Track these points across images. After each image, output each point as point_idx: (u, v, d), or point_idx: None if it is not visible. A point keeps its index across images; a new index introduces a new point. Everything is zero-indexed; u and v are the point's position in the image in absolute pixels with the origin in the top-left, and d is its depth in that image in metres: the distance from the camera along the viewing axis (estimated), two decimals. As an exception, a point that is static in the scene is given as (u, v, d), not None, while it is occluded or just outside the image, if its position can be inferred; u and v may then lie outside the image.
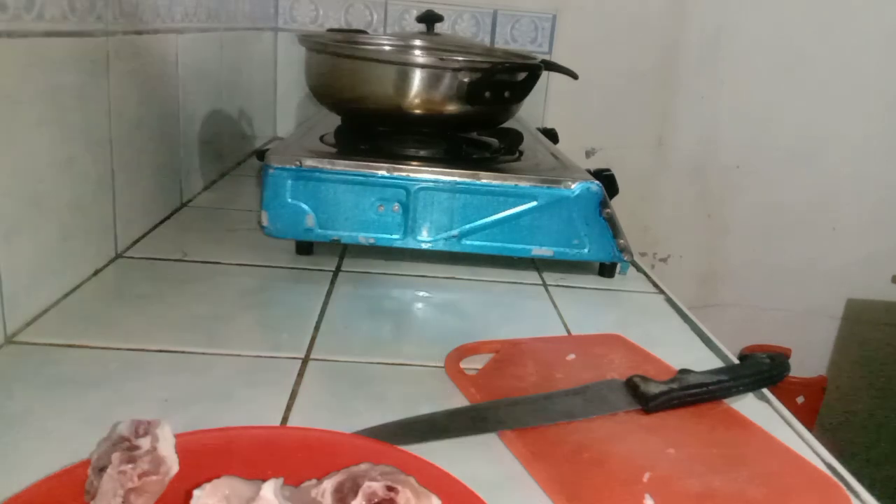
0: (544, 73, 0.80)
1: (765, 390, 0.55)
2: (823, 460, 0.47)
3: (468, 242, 0.74)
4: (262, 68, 1.30)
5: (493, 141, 0.91)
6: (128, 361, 0.52)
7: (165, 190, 0.85)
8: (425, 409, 0.48)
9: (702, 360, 0.60)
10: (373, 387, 0.51)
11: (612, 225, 0.74)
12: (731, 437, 0.48)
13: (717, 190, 1.50)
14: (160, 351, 0.54)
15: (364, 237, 0.74)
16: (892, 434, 1.52)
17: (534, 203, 0.73)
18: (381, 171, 0.72)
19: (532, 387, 0.52)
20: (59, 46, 0.58)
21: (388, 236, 0.74)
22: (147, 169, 0.79)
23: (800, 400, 1.55)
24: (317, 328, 0.60)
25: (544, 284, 0.75)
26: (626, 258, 0.76)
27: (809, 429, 0.51)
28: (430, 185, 0.73)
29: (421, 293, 0.71)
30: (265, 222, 0.73)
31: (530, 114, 1.32)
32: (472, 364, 0.56)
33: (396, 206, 0.73)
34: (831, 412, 1.57)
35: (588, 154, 1.47)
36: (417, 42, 0.88)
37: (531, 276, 0.77)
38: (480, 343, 0.58)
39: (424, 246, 0.74)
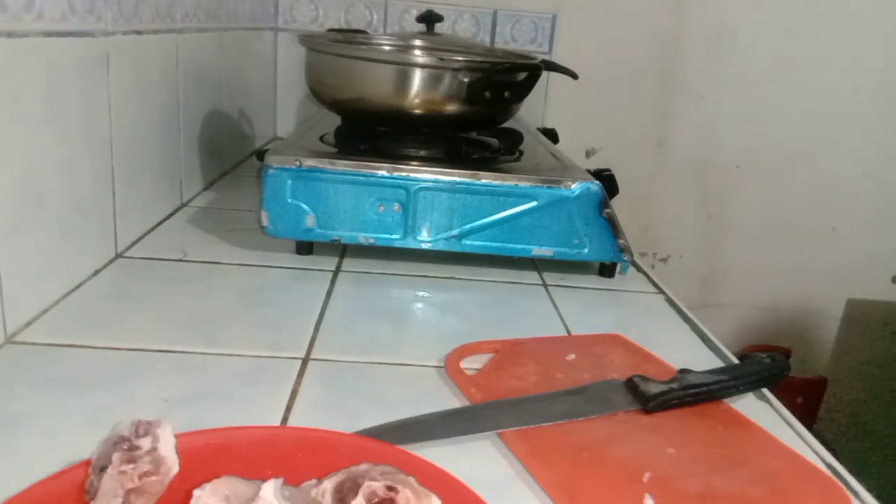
0: (544, 73, 0.80)
1: (765, 390, 0.55)
2: (823, 460, 0.47)
3: (468, 242, 0.74)
4: (262, 68, 1.30)
5: (493, 141, 0.91)
6: (128, 361, 0.52)
7: (165, 190, 0.85)
8: (425, 409, 0.48)
9: (702, 360, 0.60)
10: (373, 387, 0.51)
11: (612, 225, 0.74)
12: (731, 437, 0.48)
13: (717, 190, 1.50)
14: (160, 351, 0.54)
15: (364, 237, 0.74)
16: (892, 434, 1.52)
17: (534, 203, 0.73)
18: (381, 171, 0.72)
19: (532, 387, 0.52)
20: (59, 46, 0.58)
21: (388, 236, 0.74)
22: (147, 169, 0.79)
23: (800, 400, 1.55)
24: (317, 328, 0.60)
25: (544, 284, 0.75)
26: (626, 258, 0.76)
27: (809, 429, 0.51)
28: (430, 185, 0.73)
29: (421, 293, 0.71)
30: (265, 222, 0.73)
31: (530, 114, 1.32)
32: (472, 364, 0.56)
33: (396, 206, 0.73)
34: (831, 412, 1.57)
35: (588, 154, 1.47)
36: (417, 42, 0.88)
37: (531, 276, 0.77)
38: (480, 343, 0.58)
39: (424, 246, 0.74)
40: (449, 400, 0.50)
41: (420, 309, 0.68)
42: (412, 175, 0.72)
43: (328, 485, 0.33)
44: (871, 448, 1.53)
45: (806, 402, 1.55)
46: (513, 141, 0.91)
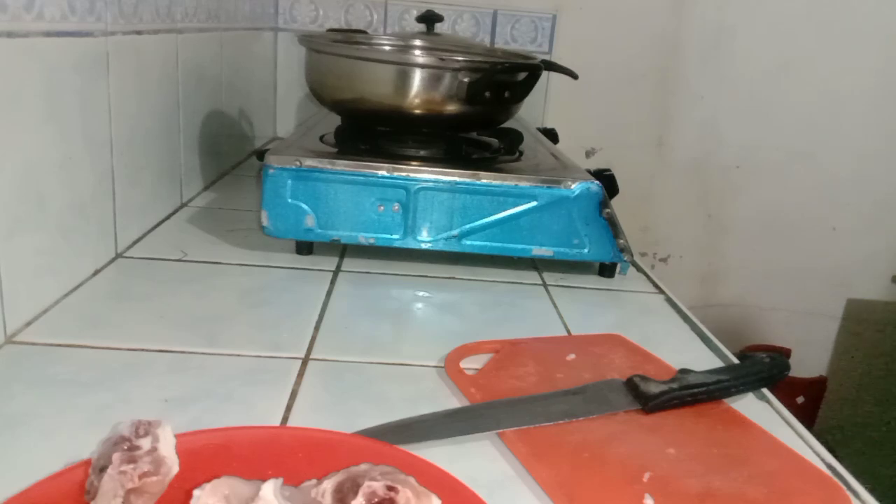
0: (544, 73, 0.80)
1: (765, 390, 0.55)
2: (823, 460, 0.47)
3: (468, 242, 0.74)
4: (262, 68, 1.30)
5: (493, 141, 0.91)
6: (128, 361, 0.52)
7: (165, 190, 0.85)
8: (425, 409, 0.48)
9: (702, 360, 0.60)
10: (373, 387, 0.51)
11: (612, 225, 0.74)
12: (731, 437, 0.48)
13: (717, 190, 1.50)
14: (160, 351, 0.54)
15: (364, 237, 0.74)
16: (892, 434, 1.52)
17: (534, 203, 0.73)
18: (381, 171, 0.72)
19: (532, 387, 0.52)
20: (59, 46, 0.58)
21: (388, 236, 0.74)
22: (147, 169, 0.79)
23: (800, 400, 1.55)
24: (317, 328, 0.60)
25: (544, 284, 0.75)
26: (626, 258, 0.76)
27: (809, 429, 0.51)
28: (430, 185, 0.73)
29: (421, 293, 0.71)
30: (265, 222, 0.73)
31: (530, 114, 1.32)
32: (472, 364, 0.56)
33: (396, 206, 0.73)
34: (831, 412, 1.57)
35: (588, 154, 1.47)
36: (417, 42, 0.88)
37: (531, 276, 0.77)
38: (480, 343, 0.58)
39: (424, 246, 0.74)
40: (449, 400, 0.50)
41: (420, 309, 0.68)
42: (412, 175, 0.72)
43: (328, 485, 0.33)
44: (871, 448, 1.53)
45: (806, 402, 1.55)
46: (513, 141, 0.91)
